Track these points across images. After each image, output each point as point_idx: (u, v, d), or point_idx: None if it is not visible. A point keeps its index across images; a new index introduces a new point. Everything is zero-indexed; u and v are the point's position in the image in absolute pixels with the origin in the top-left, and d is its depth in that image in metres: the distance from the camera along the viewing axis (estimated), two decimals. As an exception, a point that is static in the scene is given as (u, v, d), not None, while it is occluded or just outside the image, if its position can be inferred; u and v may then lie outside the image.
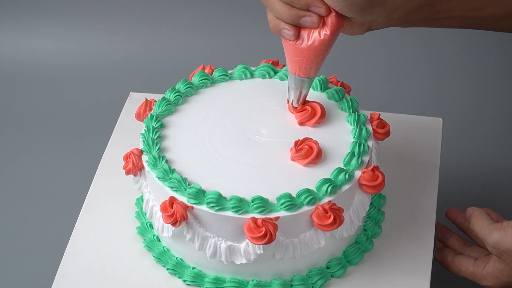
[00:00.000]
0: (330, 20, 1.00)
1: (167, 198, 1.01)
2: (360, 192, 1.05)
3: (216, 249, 1.02)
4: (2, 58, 1.69)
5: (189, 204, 1.01)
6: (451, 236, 1.21)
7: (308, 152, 1.04)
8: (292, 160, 1.05)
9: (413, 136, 1.27)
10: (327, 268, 1.07)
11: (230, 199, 1.00)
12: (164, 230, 1.04)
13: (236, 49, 1.71)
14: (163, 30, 1.73)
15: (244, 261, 1.02)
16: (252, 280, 1.05)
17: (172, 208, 1.00)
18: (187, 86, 1.15)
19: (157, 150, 1.06)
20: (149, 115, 1.11)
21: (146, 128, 1.10)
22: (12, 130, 1.59)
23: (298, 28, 1.01)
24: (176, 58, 1.70)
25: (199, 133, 1.09)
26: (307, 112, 1.10)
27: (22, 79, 1.67)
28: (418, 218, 1.15)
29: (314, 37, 1.01)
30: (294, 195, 1.00)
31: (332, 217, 1.00)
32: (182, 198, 1.02)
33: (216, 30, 1.73)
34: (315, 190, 1.01)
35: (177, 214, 1.00)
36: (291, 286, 1.05)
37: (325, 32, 1.01)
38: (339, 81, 1.17)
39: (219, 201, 1.00)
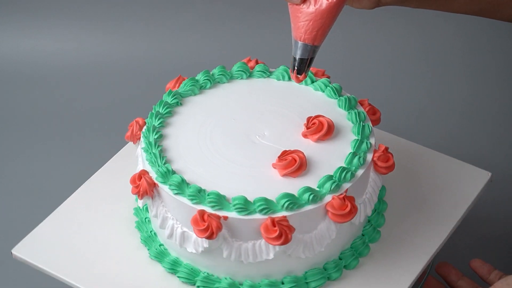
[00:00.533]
0: None
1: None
2: (327, 218, 1.02)
3: (173, 232, 1.04)
4: (2, 58, 1.69)
5: (156, 182, 1.03)
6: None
7: (290, 163, 1.03)
8: (273, 167, 1.04)
9: (451, 182, 1.21)
10: (282, 283, 1.05)
11: (190, 187, 1.01)
12: (140, 201, 1.08)
13: (237, 48, 1.68)
14: (164, 30, 1.72)
15: (193, 250, 1.03)
16: (204, 272, 1.06)
17: (139, 181, 1.03)
18: (220, 73, 1.17)
19: (159, 124, 1.09)
20: (167, 92, 1.14)
21: (161, 101, 1.13)
22: (11, 130, 1.59)
23: None
24: (178, 58, 1.69)
25: (207, 121, 1.11)
26: (314, 125, 1.08)
27: (22, 79, 1.67)
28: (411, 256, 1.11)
29: (321, 0, 1.00)
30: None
31: (277, 232, 0.98)
32: (153, 174, 1.04)
33: (217, 30, 1.71)
34: (274, 202, 1.00)
35: (141, 188, 1.03)
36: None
37: None
38: (370, 105, 1.14)
39: (180, 186, 1.01)
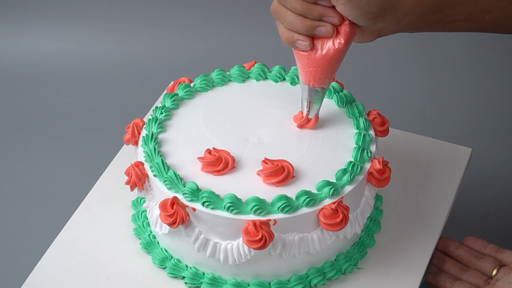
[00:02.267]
0: (344, 28, 0.99)
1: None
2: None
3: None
4: (2, 58, 1.68)
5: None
6: (445, 261, 1.15)
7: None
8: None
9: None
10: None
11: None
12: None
13: (236, 49, 1.66)
14: (164, 30, 1.69)
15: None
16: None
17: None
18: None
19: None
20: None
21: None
22: (11, 130, 1.57)
23: (311, 38, 1.00)
24: (177, 58, 1.66)
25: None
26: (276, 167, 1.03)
27: (22, 79, 1.66)
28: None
29: (328, 46, 1.00)
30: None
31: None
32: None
33: (217, 30, 1.69)
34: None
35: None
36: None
37: (339, 41, 0.99)
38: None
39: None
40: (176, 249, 1.06)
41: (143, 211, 1.11)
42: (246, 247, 0.99)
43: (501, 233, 1.36)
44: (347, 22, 0.98)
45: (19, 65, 1.67)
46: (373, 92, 1.60)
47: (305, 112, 1.07)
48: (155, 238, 1.09)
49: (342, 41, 0.99)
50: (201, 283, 1.05)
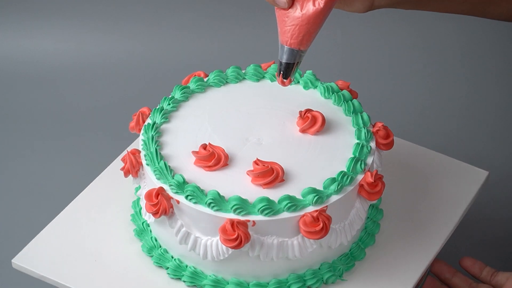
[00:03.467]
0: None
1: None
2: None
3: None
4: (2, 58, 1.67)
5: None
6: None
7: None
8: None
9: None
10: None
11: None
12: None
13: (236, 49, 1.64)
14: (164, 30, 1.68)
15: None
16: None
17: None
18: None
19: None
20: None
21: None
22: (11, 130, 1.57)
23: None
24: (177, 58, 1.65)
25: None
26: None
27: (22, 79, 1.65)
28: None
29: (308, 6, 1.00)
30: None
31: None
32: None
33: (216, 30, 1.67)
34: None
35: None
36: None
37: (319, 1, 1.00)
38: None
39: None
40: (163, 239, 1.07)
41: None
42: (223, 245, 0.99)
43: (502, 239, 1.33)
44: None
45: (19, 65, 1.67)
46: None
47: (280, 73, 1.05)
48: (148, 226, 1.10)
49: (322, 3, 0.99)
50: (183, 275, 1.05)
